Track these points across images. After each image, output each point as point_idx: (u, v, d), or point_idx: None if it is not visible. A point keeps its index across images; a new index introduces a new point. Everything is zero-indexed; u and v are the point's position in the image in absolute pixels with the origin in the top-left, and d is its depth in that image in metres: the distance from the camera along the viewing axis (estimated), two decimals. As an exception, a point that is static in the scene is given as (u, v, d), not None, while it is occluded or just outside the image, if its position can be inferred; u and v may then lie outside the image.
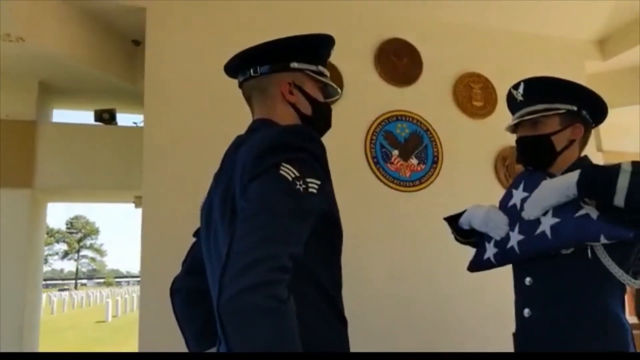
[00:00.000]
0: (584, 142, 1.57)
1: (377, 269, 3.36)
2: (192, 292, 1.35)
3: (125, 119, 5.03)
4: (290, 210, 0.96)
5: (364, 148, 3.52)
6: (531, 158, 1.56)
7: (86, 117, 4.95)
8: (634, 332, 2.10)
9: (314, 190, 1.01)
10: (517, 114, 1.58)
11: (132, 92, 4.36)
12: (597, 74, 4.93)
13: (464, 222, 1.63)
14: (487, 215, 1.53)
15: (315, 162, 1.05)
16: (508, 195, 1.54)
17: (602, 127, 5.72)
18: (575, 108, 1.51)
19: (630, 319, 4.24)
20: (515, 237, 1.43)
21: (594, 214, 1.27)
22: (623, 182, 1.18)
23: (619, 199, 1.18)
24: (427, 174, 3.61)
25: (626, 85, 5.29)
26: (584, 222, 1.28)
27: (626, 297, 1.45)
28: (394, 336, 3.27)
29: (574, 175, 1.28)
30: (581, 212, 1.29)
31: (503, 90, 3.93)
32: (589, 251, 1.33)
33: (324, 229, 1.07)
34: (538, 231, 1.36)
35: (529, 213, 1.40)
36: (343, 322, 1.14)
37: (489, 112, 3.90)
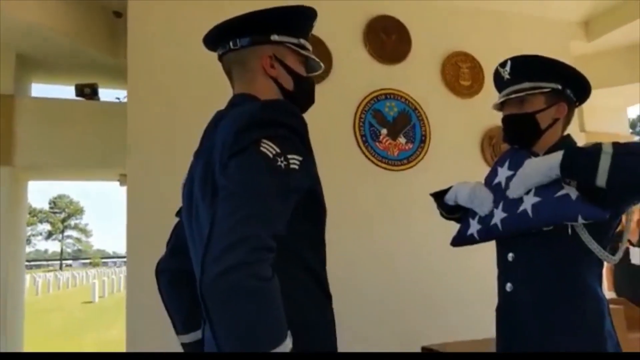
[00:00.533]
0: (567, 121, 1.59)
1: (364, 247, 3.38)
2: (177, 274, 1.34)
3: (107, 94, 4.94)
4: (272, 188, 0.94)
5: (352, 126, 3.51)
6: (516, 136, 1.58)
7: (67, 91, 4.86)
8: (611, 306, 2.15)
9: (296, 167, 0.99)
10: (504, 92, 1.59)
11: (115, 66, 4.27)
12: (581, 55, 4.96)
13: (449, 198, 1.65)
14: (473, 192, 1.55)
15: (297, 138, 1.03)
16: (493, 172, 1.56)
17: (585, 108, 5.82)
18: (560, 87, 1.53)
19: (609, 294, 4.35)
20: (499, 215, 1.45)
21: (574, 194, 1.30)
22: (605, 164, 1.20)
23: (601, 180, 1.21)
24: (415, 153, 3.62)
25: (610, 66, 5.33)
26: (563, 202, 1.30)
27: (604, 273, 1.49)
28: (380, 314, 3.30)
29: (557, 156, 1.30)
30: (561, 192, 1.31)
31: (490, 70, 3.94)
32: (569, 228, 1.37)
33: (307, 205, 1.05)
34: (520, 209, 1.38)
35: (513, 192, 1.42)
36: (327, 297, 1.14)
37: (476, 92, 3.91)
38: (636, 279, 4.21)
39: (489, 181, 1.55)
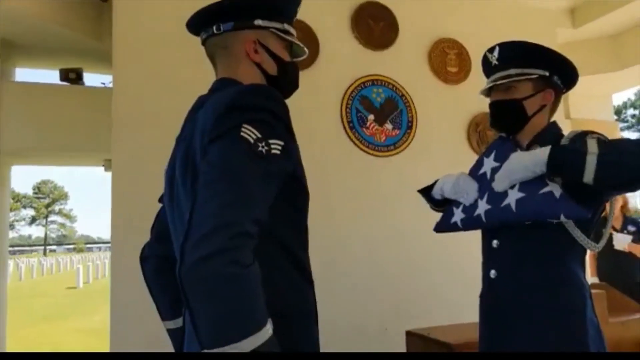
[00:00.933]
0: (553, 108, 1.61)
1: (350, 232, 3.40)
2: (162, 260, 1.33)
3: (92, 78, 4.88)
4: (253, 173, 0.93)
5: (340, 112, 3.50)
6: (503, 122, 1.58)
7: (51, 76, 4.78)
8: (594, 291, 2.20)
9: (277, 152, 0.98)
10: (491, 78, 1.59)
11: (100, 51, 4.21)
12: (567, 42, 4.99)
13: (436, 192, 1.66)
14: (457, 182, 1.56)
15: (278, 122, 1.02)
16: (479, 163, 1.56)
17: (571, 95, 5.85)
18: (547, 73, 1.54)
19: (592, 279, 4.43)
20: (483, 206, 1.47)
21: (557, 192, 1.31)
22: (591, 164, 1.22)
23: (588, 178, 1.23)
24: (402, 139, 3.64)
25: (595, 53, 5.38)
26: (546, 200, 1.32)
27: (588, 259, 1.52)
28: (365, 299, 3.33)
29: (543, 152, 1.31)
30: (545, 189, 1.33)
31: (477, 56, 3.96)
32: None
33: (289, 190, 1.05)
34: (504, 203, 1.39)
35: (498, 185, 1.42)
36: (309, 283, 1.14)
37: (463, 78, 3.92)
38: (619, 265, 4.29)
39: (474, 171, 1.56)
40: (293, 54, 1.28)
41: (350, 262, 3.35)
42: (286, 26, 1.22)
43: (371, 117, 3.57)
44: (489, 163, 1.51)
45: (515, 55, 1.55)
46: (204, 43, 1.24)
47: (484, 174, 1.51)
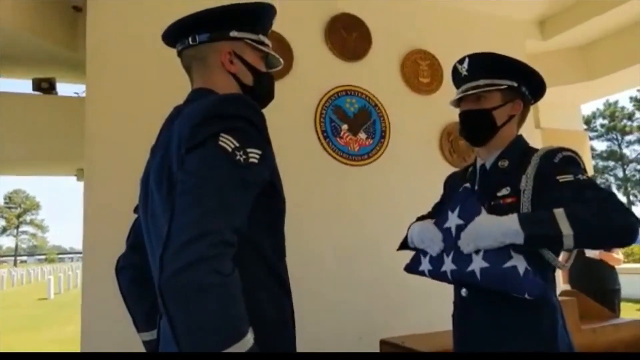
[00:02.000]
0: (522, 118, 1.63)
1: (324, 241, 3.41)
2: (137, 271, 1.32)
3: (65, 88, 4.85)
4: (231, 182, 0.94)
5: (314, 122, 3.52)
6: (473, 131, 1.60)
7: (24, 85, 4.70)
8: (565, 298, 2.24)
9: (255, 160, 0.98)
10: (461, 89, 1.62)
11: (73, 61, 4.16)
12: (537, 53, 5.11)
13: (409, 242, 1.67)
14: (422, 232, 1.57)
15: (255, 131, 1.02)
16: (444, 215, 1.54)
17: (541, 104, 5.98)
18: (515, 84, 1.56)
19: (564, 286, 4.51)
20: (449, 265, 1.46)
21: (522, 267, 1.32)
22: (569, 243, 1.23)
23: (569, 245, 1.25)
24: (375, 148, 3.67)
25: (564, 64, 5.51)
26: (511, 275, 1.32)
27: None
28: (339, 309, 3.34)
29: (511, 223, 1.30)
30: (509, 264, 1.32)
31: (449, 67, 4.03)
32: None
33: (266, 198, 1.06)
34: (469, 269, 1.40)
35: (463, 247, 1.42)
36: (287, 293, 1.14)
37: (435, 89, 3.99)
38: (591, 272, 4.35)
39: (440, 222, 1.54)
40: (268, 64, 1.29)
41: (323, 271, 3.35)
42: (261, 37, 1.24)
43: (345, 126, 3.60)
44: (454, 219, 1.48)
45: (485, 66, 1.58)
46: (179, 54, 1.25)
47: (449, 229, 1.49)
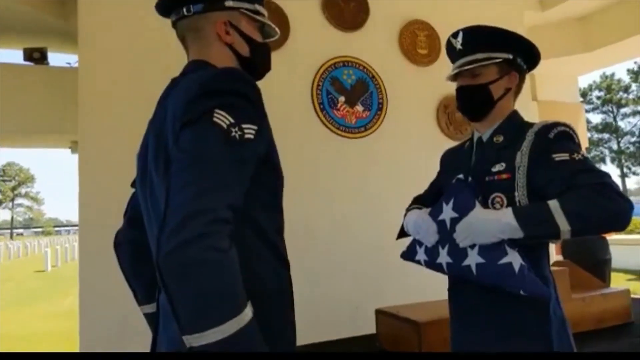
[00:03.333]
0: (518, 90, 1.63)
1: (321, 213, 3.43)
2: (136, 245, 1.32)
3: (57, 58, 4.75)
4: (227, 159, 0.93)
5: (310, 94, 3.50)
6: (471, 107, 1.60)
7: (14, 56, 4.63)
8: (556, 268, 2.27)
9: (251, 136, 0.97)
10: (457, 64, 1.60)
11: (65, 30, 4.08)
12: (535, 24, 5.07)
13: (406, 230, 1.68)
14: (416, 223, 1.57)
15: (251, 106, 1.01)
16: (439, 207, 1.54)
17: (537, 77, 5.93)
18: (511, 56, 1.55)
19: (556, 257, 4.58)
20: (445, 258, 1.47)
21: (517, 264, 1.32)
22: (566, 234, 1.24)
23: (566, 237, 1.26)
24: (372, 120, 3.66)
25: (562, 36, 5.48)
26: (506, 272, 1.33)
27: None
28: (338, 279, 3.38)
29: (506, 218, 1.30)
30: (505, 260, 1.33)
31: (446, 38, 4.00)
32: None
33: (263, 173, 1.05)
34: (464, 263, 1.40)
35: (459, 240, 1.41)
36: (285, 265, 1.14)
37: (433, 60, 3.95)
38: (583, 243, 4.43)
39: (435, 214, 1.54)
40: (265, 34, 1.27)
41: (321, 242, 3.38)
42: (257, 6, 1.21)
43: (342, 98, 3.58)
44: (448, 211, 1.48)
45: (480, 39, 1.56)
46: (174, 25, 1.22)
47: (444, 221, 1.49)
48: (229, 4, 1.16)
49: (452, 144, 1.88)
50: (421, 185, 1.87)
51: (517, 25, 4.50)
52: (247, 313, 0.87)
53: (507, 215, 1.30)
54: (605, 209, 1.23)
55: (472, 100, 1.58)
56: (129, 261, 1.36)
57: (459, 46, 1.60)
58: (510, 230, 1.29)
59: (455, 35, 1.62)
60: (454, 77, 1.63)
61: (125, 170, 1.52)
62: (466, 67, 1.55)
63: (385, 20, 3.83)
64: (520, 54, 1.58)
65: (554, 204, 1.25)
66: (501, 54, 1.54)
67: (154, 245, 0.90)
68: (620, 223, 1.25)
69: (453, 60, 1.65)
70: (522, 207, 1.37)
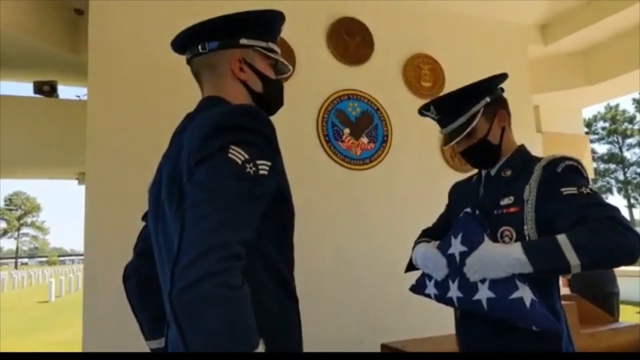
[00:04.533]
0: (509, 121, 1.63)
1: (326, 245, 3.41)
2: (145, 279, 1.32)
3: (67, 91, 4.82)
4: (241, 195, 0.93)
5: (316, 126, 3.53)
6: (480, 162, 1.62)
7: (25, 88, 4.72)
8: (565, 302, 2.25)
9: (265, 172, 0.98)
10: (447, 135, 1.61)
11: (75, 64, 4.16)
12: (538, 57, 5.12)
13: (414, 263, 1.68)
14: (425, 256, 1.58)
15: (265, 142, 1.02)
16: (447, 241, 1.55)
17: (542, 109, 5.93)
18: (489, 99, 1.57)
19: (563, 290, 4.51)
20: (455, 292, 1.47)
21: (528, 299, 1.32)
22: (576, 269, 1.24)
23: (576, 271, 1.26)
24: (377, 152, 3.68)
25: (566, 69, 5.52)
26: (517, 307, 1.32)
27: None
28: (341, 312, 3.34)
29: (516, 252, 1.30)
30: (516, 295, 1.33)
31: (451, 71, 4.07)
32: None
33: (276, 208, 1.05)
34: (475, 297, 1.40)
35: (469, 274, 1.41)
36: (294, 300, 1.14)
37: (437, 93, 3.98)
38: (590, 276, 4.36)
39: (444, 248, 1.54)
40: (277, 71, 1.29)
41: (325, 274, 3.35)
42: (270, 44, 1.24)
43: (347, 130, 3.61)
44: (457, 245, 1.48)
45: (455, 106, 1.57)
46: (189, 62, 1.25)
47: (453, 255, 1.49)
48: (243, 42, 1.19)
49: (457, 175, 1.89)
50: (426, 218, 1.87)
51: (520, 58, 4.56)
52: (260, 351, 0.87)
53: (516, 250, 1.30)
54: (614, 243, 1.23)
55: (479, 157, 1.61)
56: (137, 294, 1.36)
57: (437, 116, 1.62)
58: (519, 264, 1.28)
59: (426, 108, 1.64)
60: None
61: (131, 203, 1.52)
62: (458, 139, 1.56)
63: (389, 54, 3.89)
64: (494, 90, 1.60)
65: (563, 239, 1.25)
66: (479, 104, 1.55)
67: (167, 280, 0.89)
68: (630, 257, 1.24)
69: (438, 123, 1.65)
70: (531, 241, 1.36)
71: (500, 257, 1.33)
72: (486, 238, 1.42)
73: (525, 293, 1.32)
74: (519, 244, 1.31)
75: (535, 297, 1.32)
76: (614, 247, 1.23)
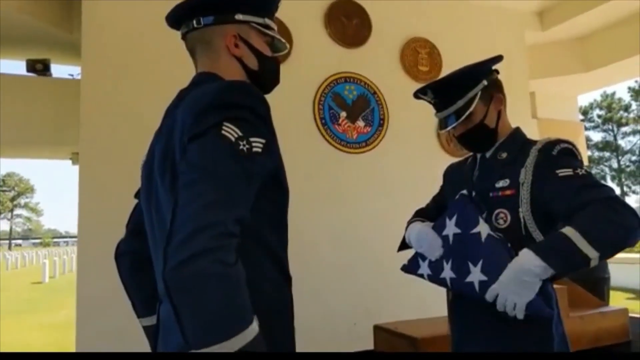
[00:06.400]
0: (505, 104, 1.62)
1: (321, 228, 3.42)
2: (138, 256, 1.31)
3: (60, 70, 4.76)
4: (235, 173, 0.93)
5: (312, 109, 3.52)
6: (476, 146, 1.62)
7: (17, 67, 4.66)
8: (556, 286, 2.27)
9: (259, 150, 0.97)
10: (442, 115, 1.59)
11: (68, 42, 4.11)
12: (535, 44, 5.10)
13: (408, 241, 1.68)
14: (420, 236, 1.58)
15: (259, 120, 1.01)
16: (442, 222, 1.55)
17: (538, 95, 5.92)
18: (486, 82, 1.56)
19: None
20: (448, 273, 1.47)
21: None
22: (593, 253, 1.22)
23: (596, 262, 1.24)
24: (373, 136, 3.67)
25: (563, 55, 5.51)
26: None
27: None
28: (336, 294, 3.36)
29: (534, 260, 1.25)
30: None
31: (448, 55, 4.04)
32: (523, 229, 1.42)
33: (270, 188, 1.05)
34: (468, 279, 1.41)
35: (488, 296, 1.35)
36: (287, 280, 1.14)
37: (434, 77, 3.96)
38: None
39: (439, 229, 1.55)
40: (274, 48, 1.27)
41: (319, 257, 3.37)
42: (267, 21, 1.21)
43: (343, 114, 3.59)
44: (451, 227, 1.49)
45: (452, 90, 1.56)
46: (183, 37, 1.23)
47: (447, 237, 1.50)
48: (239, 17, 1.17)
49: (453, 160, 1.88)
50: (421, 201, 1.87)
51: (518, 43, 4.54)
52: (254, 328, 0.87)
53: (529, 258, 1.25)
54: (619, 225, 1.23)
55: (475, 141, 1.60)
56: (129, 272, 1.35)
57: (434, 100, 1.61)
58: (541, 271, 1.25)
59: (423, 92, 1.63)
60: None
61: (125, 182, 1.51)
62: (456, 124, 1.55)
63: (387, 37, 3.86)
64: (490, 74, 1.59)
65: (572, 233, 1.23)
66: (476, 88, 1.54)
67: (160, 257, 0.89)
68: (632, 238, 1.25)
69: (435, 107, 1.63)
70: (540, 244, 1.31)
71: (524, 274, 1.27)
72: (481, 220, 1.43)
73: None
74: (526, 251, 1.27)
75: None
76: (619, 229, 1.23)
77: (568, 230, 1.24)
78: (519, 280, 1.28)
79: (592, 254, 1.21)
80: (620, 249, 1.28)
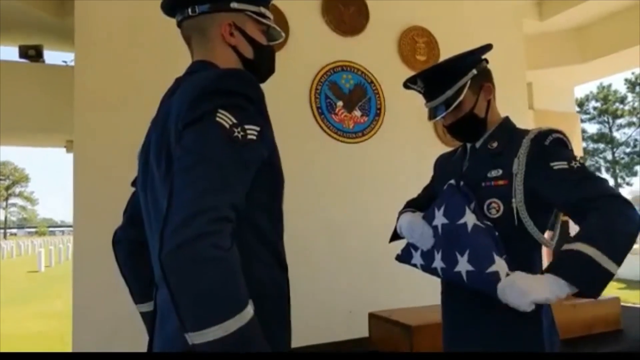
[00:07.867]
0: (494, 93, 1.62)
1: (318, 217, 3.42)
2: (135, 243, 1.32)
3: (53, 56, 4.72)
4: (229, 159, 0.94)
5: (309, 98, 3.50)
6: (466, 136, 1.62)
7: (10, 53, 4.62)
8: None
9: (253, 137, 0.98)
10: (432, 105, 1.59)
11: (61, 28, 4.06)
12: (533, 34, 5.09)
13: (399, 232, 1.69)
14: (411, 227, 1.59)
15: (254, 107, 1.02)
16: (432, 212, 1.56)
17: (534, 86, 5.93)
18: (475, 71, 1.55)
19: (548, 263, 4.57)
20: (439, 262, 1.50)
21: (503, 273, 1.32)
22: (614, 269, 1.22)
23: (614, 269, 1.23)
24: (370, 126, 3.66)
25: (560, 46, 5.51)
26: (493, 281, 1.33)
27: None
28: (331, 283, 3.37)
29: (560, 285, 1.22)
30: (492, 269, 1.34)
31: (446, 45, 4.03)
32: (516, 220, 1.42)
33: (264, 175, 1.05)
34: (456, 269, 1.43)
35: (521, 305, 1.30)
36: (283, 268, 1.15)
37: (431, 67, 3.96)
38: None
39: (429, 219, 1.56)
40: (269, 37, 1.27)
41: (314, 246, 3.37)
42: (262, 9, 1.22)
43: (340, 103, 3.58)
44: (440, 217, 1.50)
45: (441, 79, 1.55)
46: (179, 25, 1.23)
47: (436, 227, 1.52)
48: (234, 5, 1.17)
49: (448, 150, 1.89)
50: (416, 191, 1.88)
51: (516, 33, 4.52)
52: (249, 311, 0.88)
53: (558, 283, 1.22)
54: (629, 234, 1.25)
55: (465, 131, 1.60)
56: (126, 259, 1.36)
57: (424, 90, 1.61)
58: (565, 290, 1.23)
59: (413, 81, 1.63)
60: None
61: (120, 170, 1.51)
62: (444, 113, 1.55)
63: (384, 26, 3.84)
64: (479, 63, 1.59)
65: (594, 252, 1.20)
66: (466, 77, 1.54)
67: (156, 243, 0.90)
68: (635, 239, 1.27)
69: (424, 96, 1.63)
70: (561, 265, 1.26)
71: (532, 295, 1.24)
72: (467, 210, 1.44)
73: (501, 267, 1.34)
74: (550, 277, 1.24)
75: (510, 272, 1.33)
76: (630, 237, 1.25)
77: (588, 249, 1.21)
78: (540, 285, 1.25)
79: (614, 269, 1.22)
80: (630, 249, 1.29)
